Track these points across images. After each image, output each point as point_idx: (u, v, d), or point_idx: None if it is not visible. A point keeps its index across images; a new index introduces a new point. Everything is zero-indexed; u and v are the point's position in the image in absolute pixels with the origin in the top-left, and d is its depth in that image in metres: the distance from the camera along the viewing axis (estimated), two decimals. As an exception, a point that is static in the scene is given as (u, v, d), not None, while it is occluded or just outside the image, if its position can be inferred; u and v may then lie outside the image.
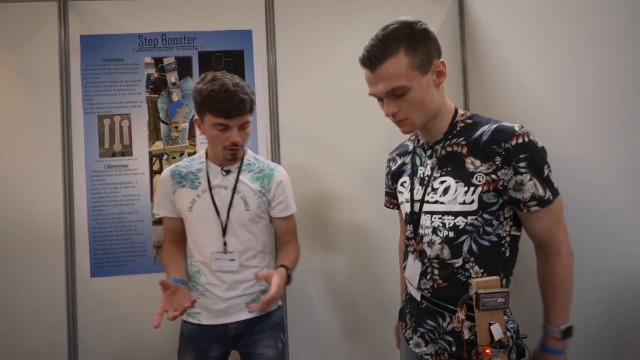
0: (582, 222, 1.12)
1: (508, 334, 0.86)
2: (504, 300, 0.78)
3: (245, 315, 1.27)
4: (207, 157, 1.30)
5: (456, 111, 0.99)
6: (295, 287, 1.62)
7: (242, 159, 1.30)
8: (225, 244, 1.24)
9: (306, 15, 1.71)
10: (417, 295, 1.00)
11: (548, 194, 0.87)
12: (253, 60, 1.69)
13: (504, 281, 0.91)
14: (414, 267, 0.99)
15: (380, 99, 0.97)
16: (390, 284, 1.63)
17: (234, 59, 1.69)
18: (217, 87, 1.13)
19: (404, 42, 0.90)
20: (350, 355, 1.72)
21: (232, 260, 1.25)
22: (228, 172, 1.27)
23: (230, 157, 1.22)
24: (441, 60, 0.94)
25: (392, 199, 1.20)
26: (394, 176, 1.11)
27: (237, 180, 1.26)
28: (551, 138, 1.23)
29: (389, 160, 1.17)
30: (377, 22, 1.88)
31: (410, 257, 1.01)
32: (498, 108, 1.53)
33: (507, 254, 0.91)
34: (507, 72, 1.46)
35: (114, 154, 1.64)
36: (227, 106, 1.13)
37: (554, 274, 0.91)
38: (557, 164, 1.18)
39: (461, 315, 0.84)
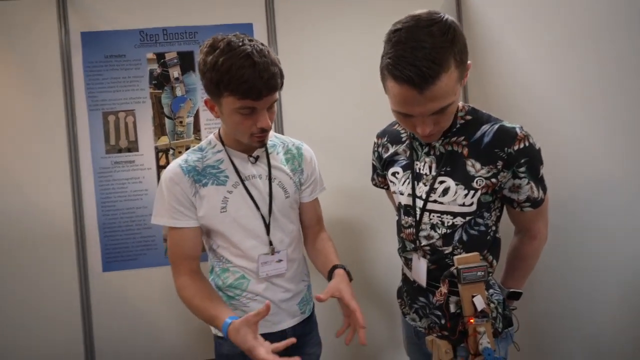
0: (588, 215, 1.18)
1: (492, 305, 0.93)
2: (483, 273, 0.82)
3: (301, 317, 1.13)
4: (223, 144, 1.07)
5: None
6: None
7: None
8: (270, 242, 1.07)
9: (306, 6, 1.72)
10: (410, 276, 1.05)
11: (540, 193, 0.93)
12: (255, 53, 1.71)
13: (494, 262, 0.99)
14: (419, 266, 1.01)
15: (408, 115, 0.84)
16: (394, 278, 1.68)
17: (235, 53, 1.70)
18: (238, 60, 0.87)
19: (453, 50, 0.77)
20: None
21: (280, 261, 1.07)
22: (257, 158, 1.07)
23: (258, 145, 1.01)
24: (470, 61, 0.83)
25: (383, 179, 1.16)
26: (385, 164, 1.08)
27: (269, 166, 1.08)
28: (553, 132, 1.26)
29: (379, 145, 1.12)
30: (377, 12, 1.88)
31: (414, 256, 1.02)
32: (497, 100, 1.56)
33: (492, 239, 0.97)
34: (507, 64, 1.48)
35: (120, 150, 1.66)
36: (257, 86, 0.87)
37: (524, 252, 1.04)
38: (560, 157, 1.24)
39: (443, 289, 0.88)
